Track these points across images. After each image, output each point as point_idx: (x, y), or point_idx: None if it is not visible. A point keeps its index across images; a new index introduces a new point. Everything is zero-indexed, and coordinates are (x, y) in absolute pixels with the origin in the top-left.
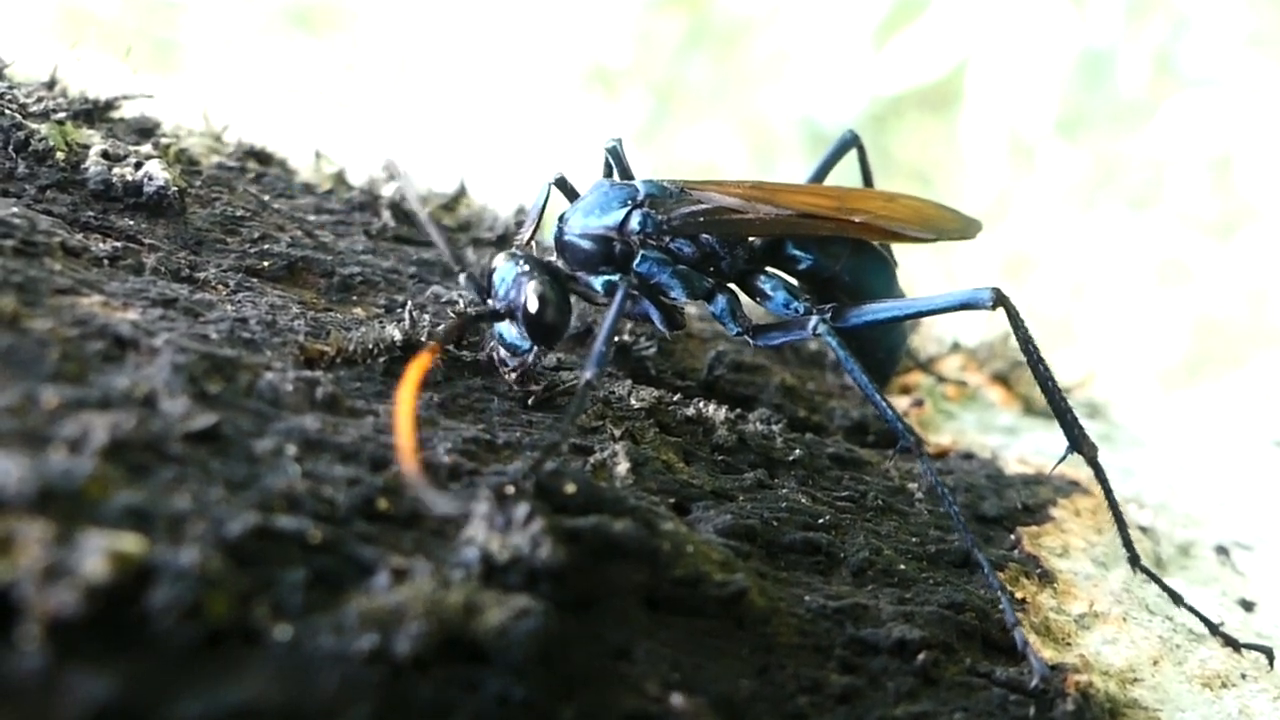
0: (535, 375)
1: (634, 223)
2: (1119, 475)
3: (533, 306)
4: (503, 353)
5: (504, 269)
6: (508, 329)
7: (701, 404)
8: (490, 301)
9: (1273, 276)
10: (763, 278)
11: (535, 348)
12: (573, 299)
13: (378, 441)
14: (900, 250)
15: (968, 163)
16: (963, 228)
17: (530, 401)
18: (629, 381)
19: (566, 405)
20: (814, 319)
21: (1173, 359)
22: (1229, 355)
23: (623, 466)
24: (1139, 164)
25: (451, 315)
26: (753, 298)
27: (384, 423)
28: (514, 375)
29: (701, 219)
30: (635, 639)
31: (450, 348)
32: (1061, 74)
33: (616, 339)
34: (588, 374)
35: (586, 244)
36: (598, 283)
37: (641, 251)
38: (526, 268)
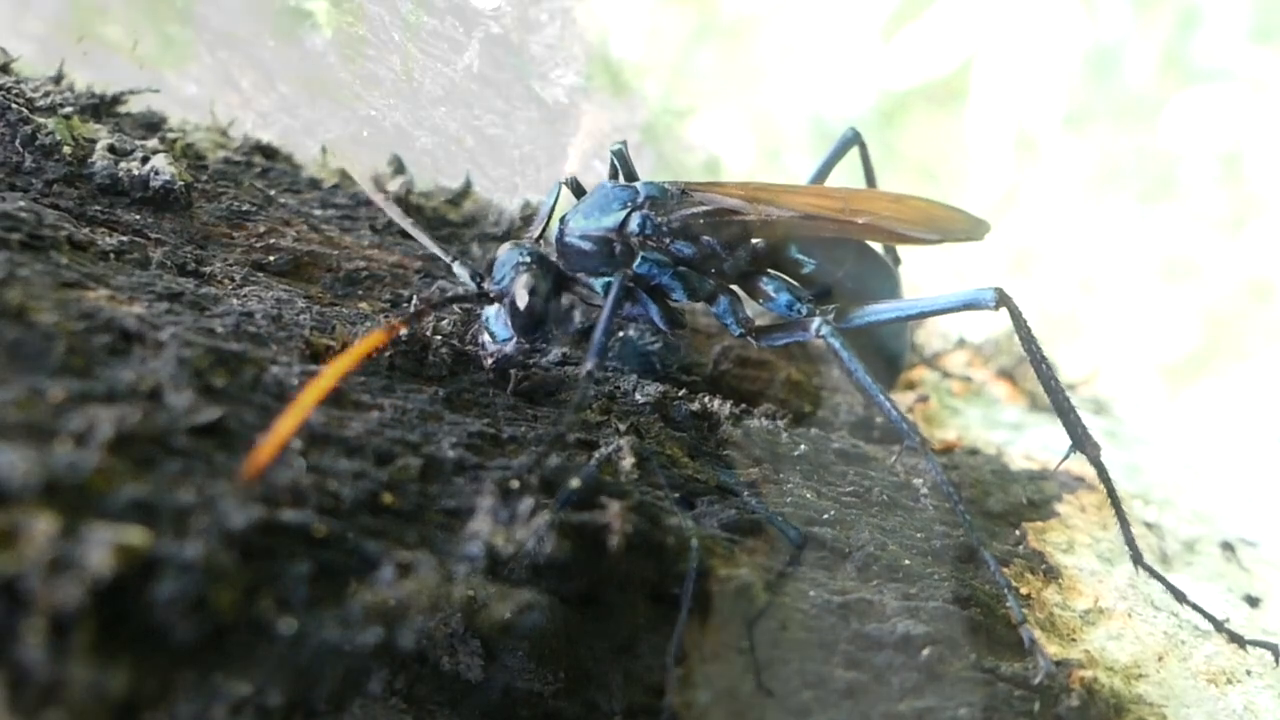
0: (514, 364)
1: (633, 224)
2: (1124, 471)
3: (520, 296)
4: (484, 338)
5: (506, 256)
6: (494, 316)
7: (706, 399)
8: (487, 285)
9: None
10: (765, 279)
11: (516, 339)
12: (568, 298)
13: (383, 436)
14: (906, 245)
15: (974, 158)
16: (970, 229)
17: (509, 389)
18: (634, 376)
19: (569, 398)
20: (817, 320)
21: (1179, 355)
22: (1235, 351)
23: (628, 461)
24: (1147, 159)
25: (435, 292)
26: (755, 299)
27: (389, 417)
28: (490, 362)
29: (702, 220)
30: (639, 633)
31: (455, 343)
32: (1069, 68)
33: (620, 333)
34: (588, 364)
35: (586, 245)
36: (598, 285)
37: (641, 253)
38: (526, 259)
